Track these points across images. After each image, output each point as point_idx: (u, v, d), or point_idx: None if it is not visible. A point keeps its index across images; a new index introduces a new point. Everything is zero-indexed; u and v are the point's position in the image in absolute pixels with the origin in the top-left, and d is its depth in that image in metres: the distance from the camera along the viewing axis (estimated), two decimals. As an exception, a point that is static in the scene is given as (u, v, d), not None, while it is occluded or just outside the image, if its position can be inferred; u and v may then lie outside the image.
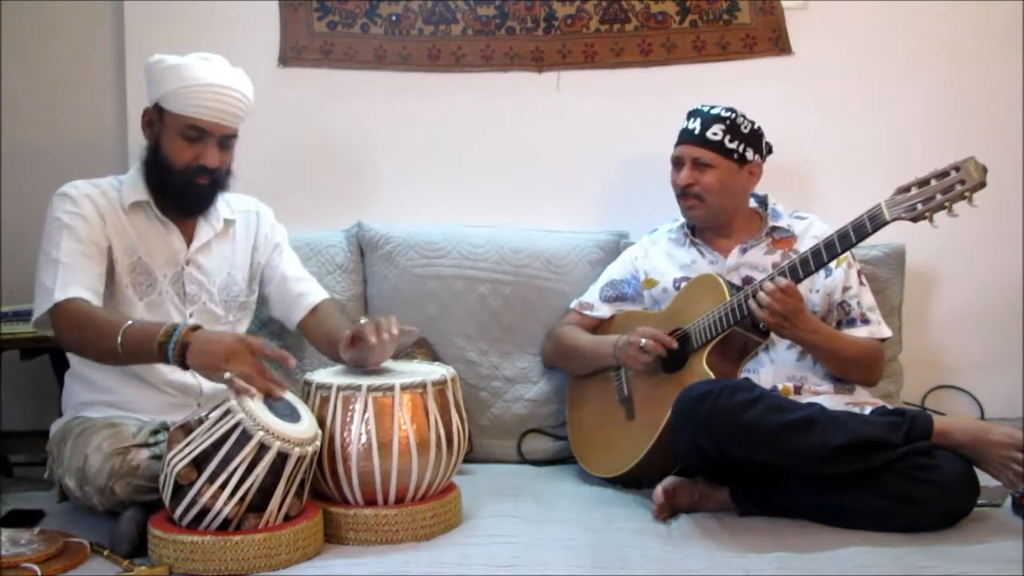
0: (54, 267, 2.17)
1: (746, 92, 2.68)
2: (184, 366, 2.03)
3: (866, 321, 2.50)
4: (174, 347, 2.02)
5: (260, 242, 2.51)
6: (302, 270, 2.58)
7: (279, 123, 2.96)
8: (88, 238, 2.22)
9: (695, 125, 2.56)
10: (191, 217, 2.37)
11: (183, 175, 2.28)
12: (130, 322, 2.09)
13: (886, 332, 2.53)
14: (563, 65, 3.01)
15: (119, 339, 2.06)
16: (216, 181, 2.32)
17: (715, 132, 2.53)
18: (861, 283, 2.55)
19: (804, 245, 2.52)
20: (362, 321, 2.23)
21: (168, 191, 2.31)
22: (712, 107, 2.56)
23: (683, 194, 2.58)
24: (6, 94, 3.03)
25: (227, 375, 1.96)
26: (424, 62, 3.00)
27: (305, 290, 2.53)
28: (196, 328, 2.06)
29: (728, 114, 2.55)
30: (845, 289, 2.51)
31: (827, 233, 2.39)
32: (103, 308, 2.19)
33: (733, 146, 2.53)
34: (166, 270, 2.33)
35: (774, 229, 2.60)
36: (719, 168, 2.54)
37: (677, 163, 2.59)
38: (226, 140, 2.30)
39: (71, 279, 2.16)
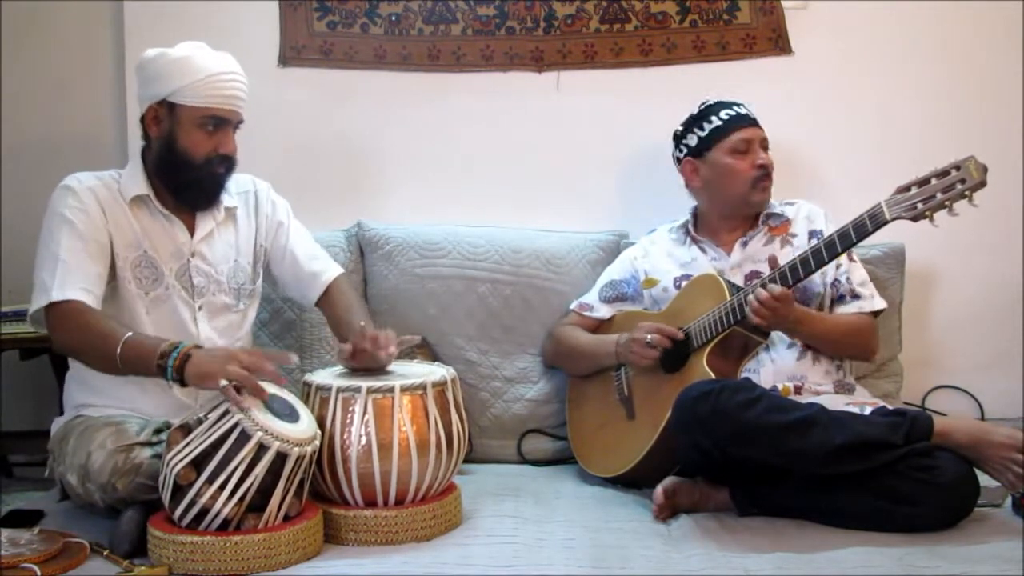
0: (53, 263, 2.16)
1: (746, 92, 2.67)
2: (182, 382, 2.01)
3: (856, 296, 2.52)
4: (174, 361, 2.00)
5: (261, 222, 2.49)
6: (313, 246, 2.56)
7: (279, 123, 2.96)
8: (90, 235, 2.21)
9: (746, 110, 2.59)
10: (203, 210, 2.36)
11: (204, 167, 2.28)
12: (130, 334, 2.07)
13: (879, 304, 2.54)
14: (563, 65, 3.01)
15: (119, 350, 2.05)
16: (229, 168, 2.33)
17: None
18: (851, 259, 2.55)
19: (799, 227, 2.57)
20: (360, 324, 2.23)
21: (187, 185, 2.30)
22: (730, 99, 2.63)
23: (765, 175, 2.57)
24: (6, 93, 3.04)
25: (222, 383, 1.94)
26: (424, 62, 3.00)
27: (317, 268, 2.51)
28: (198, 347, 2.06)
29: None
30: (836, 267, 2.52)
31: (818, 214, 2.54)
32: (102, 315, 2.17)
33: None
34: (171, 264, 2.32)
35: (769, 216, 2.61)
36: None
37: (747, 146, 2.56)
38: (237, 126, 2.32)
39: (70, 279, 2.15)
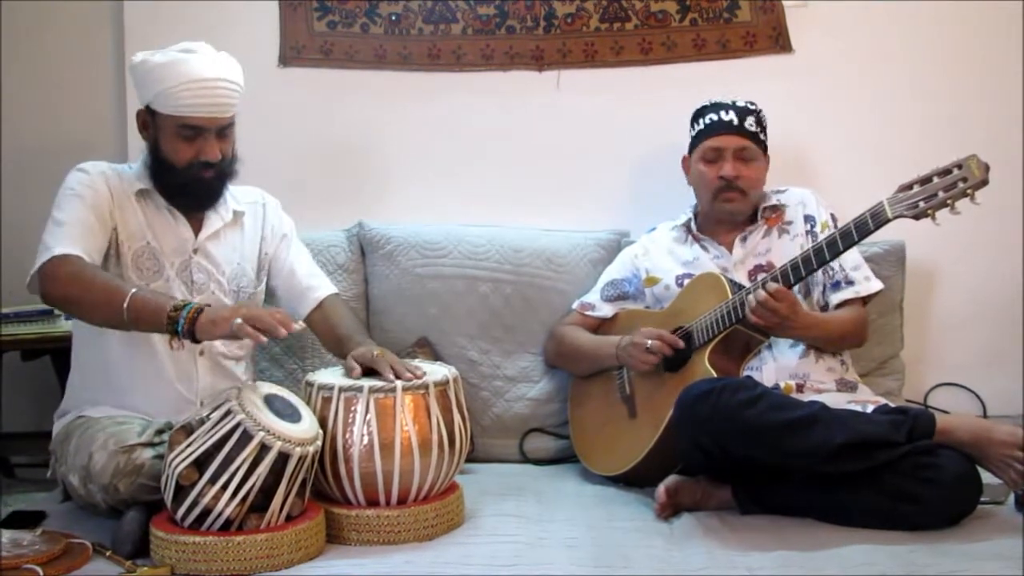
0: (59, 228, 2.17)
1: (746, 90, 2.67)
2: (192, 336, 2.02)
3: (850, 282, 2.53)
4: (188, 313, 2.02)
5: (267, 233, 2.50)
6: (311, 263, 2.58)
7: (279, 123, 2.96)
8: (96, 210, 2.23)
9: (731, 116, 2.53)
10: (202, 210, 2.37)
11: (186, 173, 2.28)
12: (136, 289, 2.08)
13: (874, 287, 2.55)
14: (563, 64, 3.00)
15: (126, 303, 2.04)
16: (222, 172, 2.32)
17: (751, 124, 2.54)
18: None
19: (793, 214, 2.59)
20: (374, 353, 2.21)
21: (175, 189, 2.31)
22: (735, 100, 2.58)
23: (728, 187, 2.54)
24: (6, 94, 3.04)
25: (236, 321, 1.97)
26: (424, 62, 3.00)
27: (313, 284, 2.52)
28: (208, 305, 2.08)
29: (755, 107, 2.58)
30: None
31: (809, 198, 2.59)
32: (103, 271, 2.18)
33: (763, 139, 2.58)
34: (173, 258, 2.32)
35: (765, 209, 2.62)
36: (759, 161, 2.57)
37: (715, 155, 2.54)
38: (223, 130, 2.29)
39: (74, 239, 2.16)
